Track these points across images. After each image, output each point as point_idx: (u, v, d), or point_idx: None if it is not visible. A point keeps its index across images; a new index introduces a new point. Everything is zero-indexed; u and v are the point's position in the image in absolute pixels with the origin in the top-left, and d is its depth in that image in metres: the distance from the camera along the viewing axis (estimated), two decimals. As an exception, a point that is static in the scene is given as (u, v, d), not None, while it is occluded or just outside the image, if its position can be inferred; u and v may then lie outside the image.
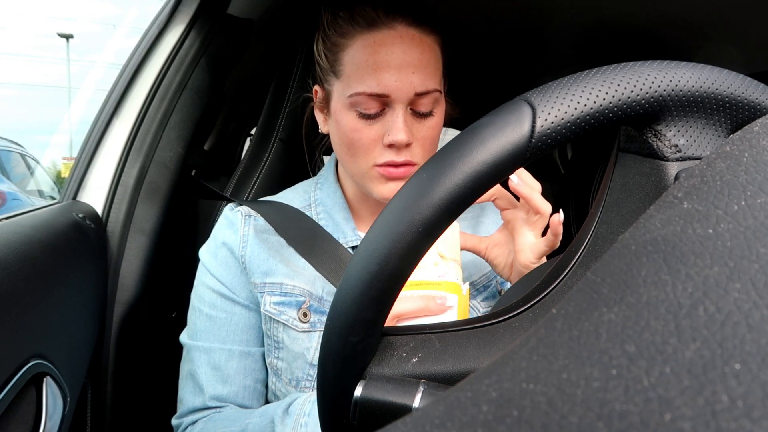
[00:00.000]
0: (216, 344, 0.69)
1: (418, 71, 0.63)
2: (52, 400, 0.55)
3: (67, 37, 22.53)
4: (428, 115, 0.66)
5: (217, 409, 0.68)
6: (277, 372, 0.69)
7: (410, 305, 0.52)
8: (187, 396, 0.69)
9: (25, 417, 0.51)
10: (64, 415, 0.58)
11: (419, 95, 0.64)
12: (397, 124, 0.63)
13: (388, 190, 0.66)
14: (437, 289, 0.54)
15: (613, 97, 0.27)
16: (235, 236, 0.71)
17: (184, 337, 0.72)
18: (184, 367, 0.71)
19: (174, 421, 0.70)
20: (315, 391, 0.56)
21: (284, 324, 0.67)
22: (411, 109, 0.65)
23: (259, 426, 0.61)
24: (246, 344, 0.70)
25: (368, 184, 0.67)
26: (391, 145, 0.64)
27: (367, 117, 0.64)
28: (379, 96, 0.63)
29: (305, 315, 0.67)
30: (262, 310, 0.68)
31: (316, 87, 0.73)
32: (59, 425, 0.57)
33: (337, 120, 0.67)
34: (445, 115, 0.74)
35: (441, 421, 0.13)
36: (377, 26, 0.64)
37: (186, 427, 0.68)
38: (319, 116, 0.74)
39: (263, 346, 0.71)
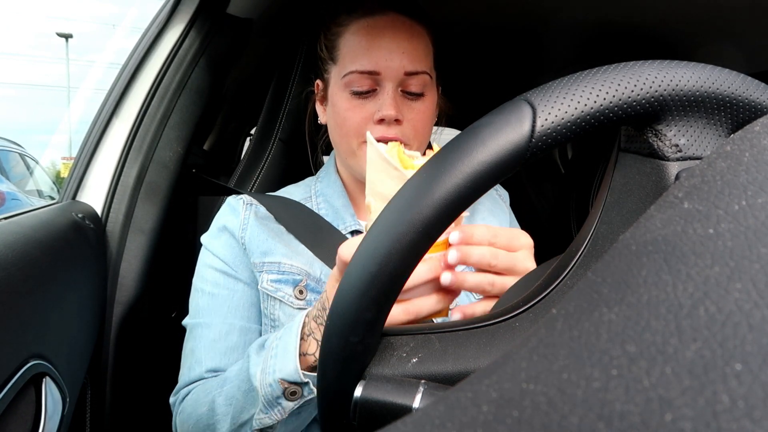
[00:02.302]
0: (217, 319, 0.69)
1: (408, 52, 0.67)
2: (51, 401, 0.55)
3: (67, 36, 22.53)
4: (419, 96, 0.69)
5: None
6: None
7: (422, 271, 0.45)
8: (184, 371, 0.69)
9: (24, 417, 0.51)
10: (64, 415, 0.58)
11: (409, 74, 0.67)
12: (387, 100, 0.66)
13: None
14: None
15: (614, 96, 0.27)
16: (236, 220, 0.72)
17: (186, 320, 0.72)
18: (186, 347, 0.71)
19: (171, 399, 0.69)
20: (293, 320, 0.56)
21: (280, 301, 0.68)
22: (402, 90, 0.68)
23: (237, 369, 0.61)
24: (247, 320, 0.70)
25: (360, 163, 0.69)
26: (381, 121, 0.66)
27: (359, 95, 0.68)
28: (370, 73, 0.67)
29: (301, 293, 0.68)
30: (259, 287, 0.69)
31: (318, 81, 0.78)
32: (59, 425, 0.57)
33: (333, 103, 0.71)
34: (440, 111, 0.78)
35: (441, 421, 0.13)
36: (372, 14, 0.69)
37: (182, 400, 0.67)
38: (319, 108, 0.78)
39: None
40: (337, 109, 0.70)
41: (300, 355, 0.54)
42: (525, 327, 0.32)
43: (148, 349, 0.91)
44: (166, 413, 0.75)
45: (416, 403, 0.30)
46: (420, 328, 0.34)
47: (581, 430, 0.11)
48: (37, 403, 0.53)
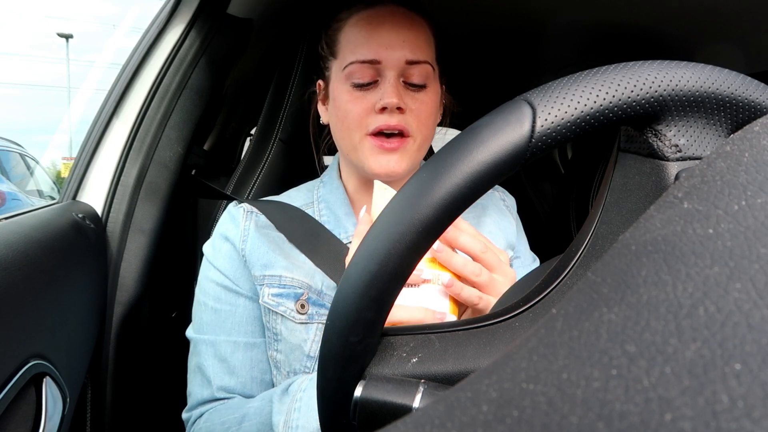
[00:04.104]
0: (221, 336, 0.69)
1: (408, 41, 0.67)
2: (51, 401, 0.55)
3: (67, 37, 22.54)
4: (421, 87, 0.68)
5: (225, 401, 0.68)
6: (276, 365, 0.70)
7: (408, 315, 0.49)
8: (195, 389, 0.69)
9: (24, 417, 0.51)
10: (64, 415, 0.58)
11: (410, 63, 0.66)
12: (389, 89, 0.65)
13: (379, 164, 0.66)
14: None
15: (613, 97, 0.27)
16: (236, 230, 0.71)
17: (190, 332, 0.73)
18: (192, 361, 0.71)
19: (184, 415, 0.71)
20: (315, 372, 0.57)
21: (282, 315, 0.68)
22: (404, 81, 0.67)
23: (258, 409, 0.61)
24: (251, 336, 0.70)
25: (361, 158, 0.68)
26: (383, 110, 0.65)
27: (360, 86, 0.67)
28: (371, 63, 0.66)
29: (303, 307, 0.68)
30: (260, 301, 0.69)
31: (319, 81, 0.77)
32: (59, 425, 0.57)
33: (334, 98, 0.70)
34: (445, 109, 0.77)
35: (441, 421, 0.13)
36: (371, 5, 0.69)
37: (195, 420, 0.68)
38: (321, 109, 0.77)
39: None
40: (338, 103, 0.68)
41: None
42: (525, 327, 0.32)
43: (148, 349, 0.91)
44: (167, 413, 0.75)
45: (416, 403, 0.30)
46: (420, 328, 0.34)
47: (581, 430, 0.11)
48: (37, 403, 0.53)
